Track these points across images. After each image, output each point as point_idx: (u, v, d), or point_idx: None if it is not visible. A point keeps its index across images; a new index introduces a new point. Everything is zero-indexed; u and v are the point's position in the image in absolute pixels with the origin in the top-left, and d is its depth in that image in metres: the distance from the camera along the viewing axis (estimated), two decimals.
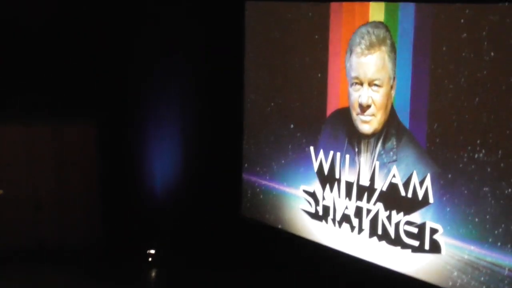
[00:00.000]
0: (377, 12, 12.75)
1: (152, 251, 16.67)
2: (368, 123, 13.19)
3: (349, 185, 13.74)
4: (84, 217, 17.83)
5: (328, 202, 14.20)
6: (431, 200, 12.08)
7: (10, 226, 17.27)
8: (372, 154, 13.17)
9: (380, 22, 12.68)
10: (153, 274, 16.47)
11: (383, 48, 12.67)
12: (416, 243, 12.43)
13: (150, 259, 16.64)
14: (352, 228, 13.73)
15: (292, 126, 14.85)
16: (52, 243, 17.52)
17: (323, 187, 14.29)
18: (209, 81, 16.69)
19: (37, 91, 17.64)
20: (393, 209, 12.85)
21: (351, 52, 13.30)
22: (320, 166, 14.29)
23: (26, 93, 17.58)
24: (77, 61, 17.72)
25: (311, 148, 14.50)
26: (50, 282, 15.66)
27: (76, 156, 17.75)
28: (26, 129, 17.36)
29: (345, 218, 13.88)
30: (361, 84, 13.11)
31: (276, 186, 15.35)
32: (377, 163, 13.05)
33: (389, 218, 12.89)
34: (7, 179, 17.11)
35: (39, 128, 17.48)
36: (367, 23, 12.94)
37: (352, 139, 13.59)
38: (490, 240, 11.18)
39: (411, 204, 12.46)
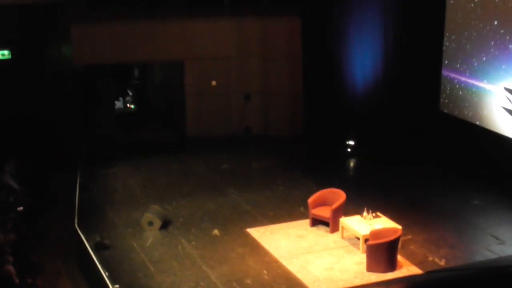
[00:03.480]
0: None
1: (351, 142, 17.51)
2: None
3: None
4: (288, 108, 19.20)
5: None
6: None
7: (222, 114, 19.04)
8: None
9: None
10: (352, 164, 17.42)
11: None
12: None
13: (349, 150, 17.56)
14: None
15: (495, 23, 14.75)
16: (258, 130, 19.11)
17: None
18: None
19: None
20: None
21: None
22: None
23: None
24: None
25: None
26: (255, 163, 17.18)
27: (282, 49, 18.96)
28: (237, 24, 18.73)
29: None
30: None
31: (476, 83, 15.47)
32: None
33: None
34: (219, 71, 18.74)
35: (248, 23, 18.76)
36: None
37: None
38: None
39: None
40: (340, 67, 18.24)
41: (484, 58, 15.17)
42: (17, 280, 10.27)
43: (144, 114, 20.47)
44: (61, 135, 16.95)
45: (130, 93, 20.92)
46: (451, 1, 15.99)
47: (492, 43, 14.88)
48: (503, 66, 14.68)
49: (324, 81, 18.40)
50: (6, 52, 16.58)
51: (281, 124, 19.24)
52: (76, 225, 13.00)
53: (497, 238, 12.58)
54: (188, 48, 18.46)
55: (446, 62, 16.33)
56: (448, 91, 16.38)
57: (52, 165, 15.95)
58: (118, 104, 20.48)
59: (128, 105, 20.85)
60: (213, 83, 18.60)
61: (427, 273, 11.49)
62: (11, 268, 10.31)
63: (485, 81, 15.21)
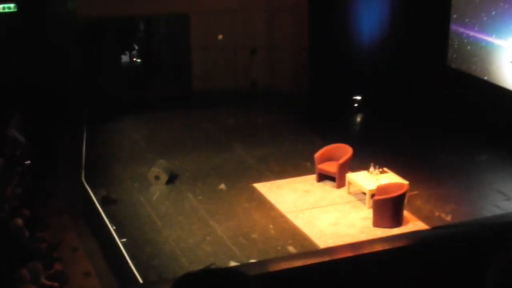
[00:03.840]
0: None
1: (358, 98, 17.47)
2: None
3: None
4: (294, 62, 19.08)
5: None
6: None
7: (228, 68, 18.96)
8: None
9: None
10: (358, 119, 17.40)
11: None
12: None
13: (355, 105, 17.50)
14: None
15: None
16: (264, 85, 19.05)
17: None
18: None
19: None
20: None
21: None
22: None
23: None
24: None
25: None
26: (261, 118, 17.18)
27: (287, 1, 18.78)
28: None
29: None
30: None
31: (485, 37, 15.33)
32: None
33: None
34: (225, 25, 18.61)
35: None
36: None
37: None
38: None
39: None
40: (347, 21, 18.08)
41: (493, 12, 15.01)
42: (27, 233, 10.36)
43: (150, 68, 20.37)
44: (67, 91, 16.90)
45: (136, 47, 20.79)
46: None
47: None
48: None
49: (330, 35, 18.25)
50: (12, 5, 16.44)
51: (287, 79, 19.14)
52: (83, 180, 13.06)
53: (504, 194, 12.61)
54: (194, 1, 18.28)
55: (454, 16, 16.17)
56: (456, 46, 16.25)
57: (58, 121, 15.95)
58: (124, 58, 20.37)
59: (134, 59, 20.74)
60: (220, 37, 18.46)
61: (434, 228, 11.53)
62: (20, 221, 10.38)
63: (494, 35, 15.07)
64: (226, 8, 18.46)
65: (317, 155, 13.26)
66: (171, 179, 13.38)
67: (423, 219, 11.79)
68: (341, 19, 18.09)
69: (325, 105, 17.89)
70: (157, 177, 13.24)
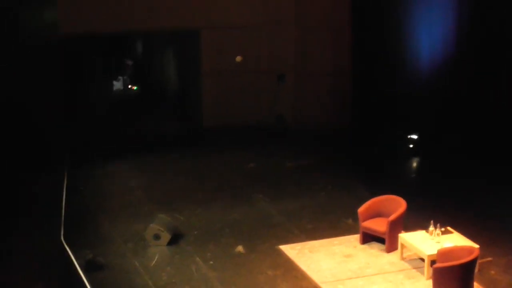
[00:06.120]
0: None
1: (414, 137, 17.45)
2: None
3: None
4: (331, 93, 19.20)
5: None
6: None
7: (248, 99, 19.03)
8: None
9: None
10: (414, 164, 17.36)
11: None
12: None
13: (411, 146, 17.51)
14: None
15: None
16: (293, 120, 19.11)
17: None
18: None
19: None
20: None
21: None
22: None
23: None
24: None
25: None
26: (289, 161, 17.18)
27: (324, 17, 18.92)
28: None
29: None
30: None
31: None
32: None
33: None
34: (246, 44, 18.73)
35: None
36: None
37: None
38: None
39: None
40: (401, 43, 18.17)
41: None
42: None
43: (149, 97, 20.53)
44: (44, 124, 17.02)
45: (128, 71, 20.99)
46: None
47: None
48: None
49: (379, 59, 18.33)
50: None
51: (322, 113, 19.19)
52: (61, 239, 13.06)
53: None
54: (204, 14, 18.46)
55: None
56: None
57: (32, 162, 16.00)
58: (117, 84, 20.57)
59: (129, 86, 20.93)
60: (238, 58, 18.60)
61: None
62: None
63: None
64: (246, 22, 18.63)
65: (361, 209, 13.18)
66: (175, 238, 13.36)
67: None
68: (395, 37, 18.16)
69: (371, 146, 17.88)
70: (157, 236, 13.22)
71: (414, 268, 12.36)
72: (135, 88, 20.95)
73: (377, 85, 18.44)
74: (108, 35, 18.50)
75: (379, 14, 18.24)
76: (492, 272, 12.21)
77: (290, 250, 13.06)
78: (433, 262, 11.78)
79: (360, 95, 18.77)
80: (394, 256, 12.73)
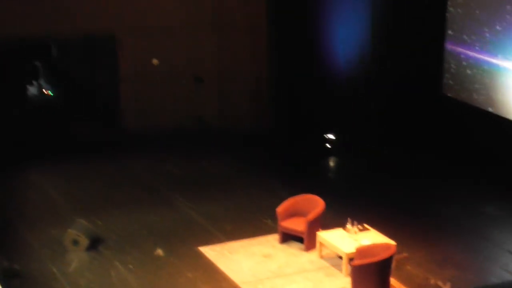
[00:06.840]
0: None
1: (331, 137, 17.56)
2: None
3: None
4: (251, 94, 19.20)
5: None
6: None
7: (166, 102, 18.94)
8: None
9: None
10: (331, 164, 17.49)
11: None
12: None
13: (328, 146, 17.60)
14: None
15: None
16: (213, 122, 19.06)
17: None
18: None
19: None
20: None
21: None
22: None
23: None
24: None
25: None
26: (209, 164, 17.18)
27: (242, 18, 18.92)
28: None
29: None
30: None
31: (488, 59, 15.59)
32: None
33: None
34: (163, 47, 18.66)
35: None
36: None
37: None
38: None
39: None
40: (318, 42, 18.28)
41: (498, 27, 15.30)
42: None
43: (68, 103, 20.27)
44: None
45: (42, 76, 20.71)
46: None
47: (509, 7, 15.00)
48: None
49: (296, 59, 18.42)
50: None
51: (242, 115, 19.21)
52: None
53: None
54: (119, 16, 18.31)
55: (450, 33, 16.44)
56: (452, 70, 16.50)
57: None
58: (32, 89, 20.27)
59: (44, 90, 20.64)
60: (154, 61, 18.51)
61: None
62: None
63: (499, 56, 15.33)
64: (163, 24, 18.53)
65: (279, 209, 13.24)
66: (94, 243, 13.24)
67: None
68: (312, 37, 18.27)
69: (289, 147, 17.97)
70: (75, 242, 13.08)
71: (333, 266, 12.48)
72: (51, 93, 20.67)
73: (294, 86, 18.53)
74: (20, 38, 18.16)
75: (297, 14, 18.33)
76: (408, 267, 12.42)
77: (210, 251, 13.06)
78: (351, 260, 11.92)
79: (280, 97, 18.81)
80: (313, 254, 12.84)
